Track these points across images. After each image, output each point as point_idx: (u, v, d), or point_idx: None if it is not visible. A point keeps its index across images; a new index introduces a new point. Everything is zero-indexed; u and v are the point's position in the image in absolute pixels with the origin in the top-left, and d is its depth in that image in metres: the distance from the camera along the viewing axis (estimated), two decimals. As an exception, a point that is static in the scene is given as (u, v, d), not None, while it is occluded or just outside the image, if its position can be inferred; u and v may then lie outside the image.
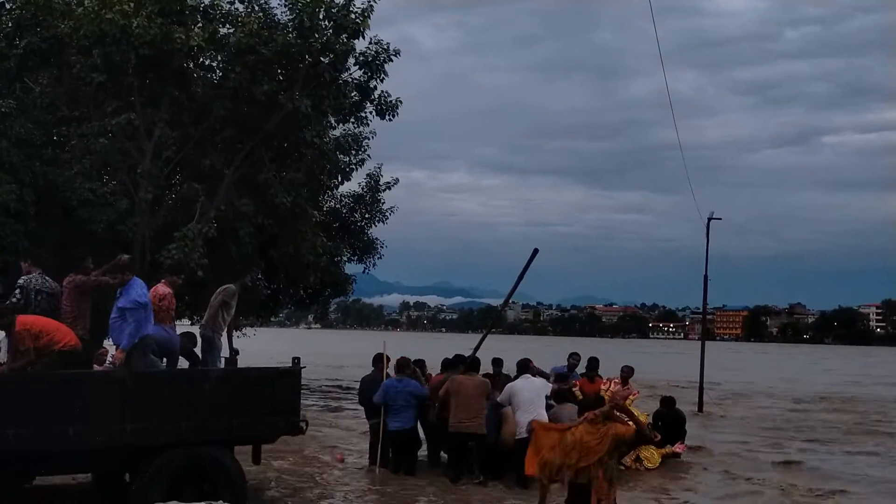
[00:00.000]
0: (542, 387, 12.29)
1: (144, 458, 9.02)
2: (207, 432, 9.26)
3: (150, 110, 17.46)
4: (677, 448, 14.17)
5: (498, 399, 12.35)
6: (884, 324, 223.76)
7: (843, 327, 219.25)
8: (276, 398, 9.71)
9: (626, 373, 14.93)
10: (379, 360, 13.38)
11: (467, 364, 12.73)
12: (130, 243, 17.64)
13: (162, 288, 10.24)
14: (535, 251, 13.74)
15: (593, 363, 15.06)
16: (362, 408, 13.81)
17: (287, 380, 9.93)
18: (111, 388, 8.96)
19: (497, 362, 14.26)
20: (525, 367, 12.75)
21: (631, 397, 14.18)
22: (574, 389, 13.57)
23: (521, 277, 13.63)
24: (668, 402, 15.04)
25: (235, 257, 18.02)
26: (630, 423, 7.97)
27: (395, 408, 12.37)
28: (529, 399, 11.90)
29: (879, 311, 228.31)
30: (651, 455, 13.54)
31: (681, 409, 15.58)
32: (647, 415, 14.42)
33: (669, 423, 14.50)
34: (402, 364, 12.96)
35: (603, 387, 14.46)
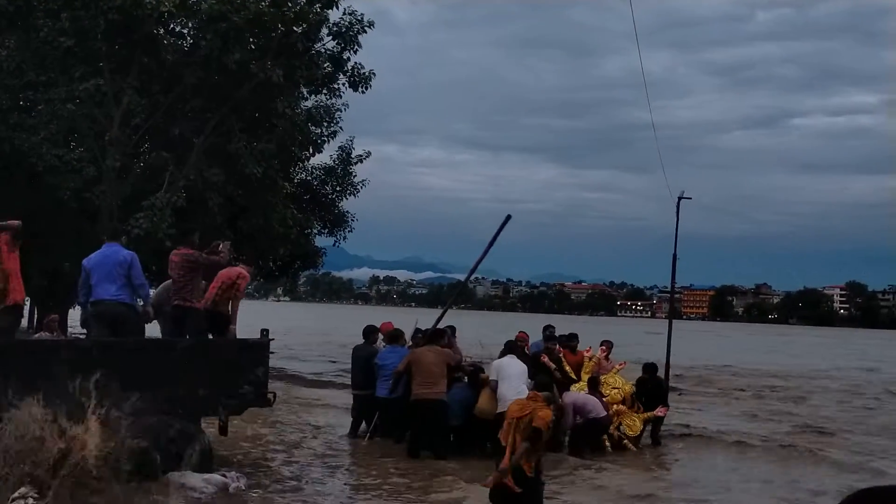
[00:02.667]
0: (524, 370, 12.42)
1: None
2: (175, 403, 9.21)
3: (118, 77, 17.20)
4: (658, 412, 14.18)
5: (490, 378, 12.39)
6: (847, 305, 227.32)
7: (807, 308, 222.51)
8: (245, 369, 9.69)
9: (608, 346, 15.10)
10: (371, 331, 13.52)
11: (428, 336, 12.80)
12: (97, 211, 17.44)
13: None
14: (508, 217, 13.80)
15: (573, 336, 15.12)
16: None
17: (255, 351, 9.89)
18: (77, 357, 8.87)
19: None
20: (511, 348, 12.94)
21: (618, 367, 14.52)
22: (544, 359, 13.53)
23: (492, 243, 13.71)
24: (650, 369, 14.94)
25: (204, 228, 17.88)
26: (550, 414, 8.19)
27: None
28: (516, 374, 12.05)
29: (843, 292, 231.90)
30: (632, 423, 13.68)
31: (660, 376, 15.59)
32: (632, 384, 14.56)
33: (652, 389, 14.51)
34: (396, 335, 13.14)
35: (587, 354, 14.50)
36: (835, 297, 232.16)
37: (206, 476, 9.21)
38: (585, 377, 13.59)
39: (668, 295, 38.26)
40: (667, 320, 27.88)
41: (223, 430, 10.32)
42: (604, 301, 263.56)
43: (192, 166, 17.95)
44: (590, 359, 14.12)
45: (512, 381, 11.90)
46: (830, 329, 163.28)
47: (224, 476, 9.45)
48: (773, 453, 14.12)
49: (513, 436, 7.97)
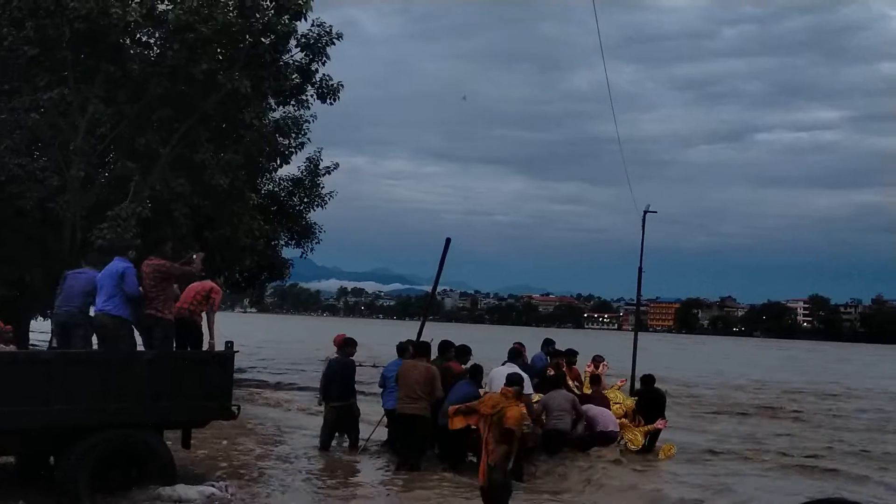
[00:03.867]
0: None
1: (70, 440, 8.84)
2: (136, 415, 9.13)
3: (83, 86, 17.05)
4: (658, 425, 14.21)
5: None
6: (810, 318, 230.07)
7: (771, 321, 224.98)
8: (209, 382, 9.62)
9: (598, 361, 15.27)
10: (348, 343, 13.64)
11: (415, 349, 12.79)
12: (61, 222, 17.25)
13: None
14: (448, 240, 14.15)
15: (574, 351, 15.35)
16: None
17: (219, 363, 9.83)
18: (37, 369, 8.77)
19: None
20: (514, 354, 13.19)
21: (619, 383, 15.26)
22: (551, 373, 13.81)
23: (439, 272, 14.32)
24: (647, 381, 15.07)
25: (170, 238, 17.73)
26: (522, 411, 8.58)
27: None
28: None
29: (806, 305, 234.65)
30: (634, 437, 13.80)
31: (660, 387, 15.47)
32: (633, 399, 14.71)
33: (650, 400, 14.59)
34: (402, 348, 13.23)
35: (588, 369, 14.74)
36: (798, 310, 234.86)
37: (199, 488, 9.27)
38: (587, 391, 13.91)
39: (635, 307, 38.57)
40: (637, 332, 28.17)
41: (186, 443, 10.25)
42: (571, 313, 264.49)
43: (158, 177, 17.82)
44: (593, 375, 14.42)
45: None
46: (808, 342, 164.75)
47: (212, 486, 9.43)
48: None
49: (486, 433, 8.35)
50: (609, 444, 13.02)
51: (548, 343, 15.40)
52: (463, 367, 12.92)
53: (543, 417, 12.54)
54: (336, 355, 13.71)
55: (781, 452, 15.54)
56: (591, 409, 13.11)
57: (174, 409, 9.45)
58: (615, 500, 10.62)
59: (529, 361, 14.35)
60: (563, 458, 12.20)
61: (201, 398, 9.61)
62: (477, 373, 12.53)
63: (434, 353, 13.16)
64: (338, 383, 13.28)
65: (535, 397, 12.59)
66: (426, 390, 11.90)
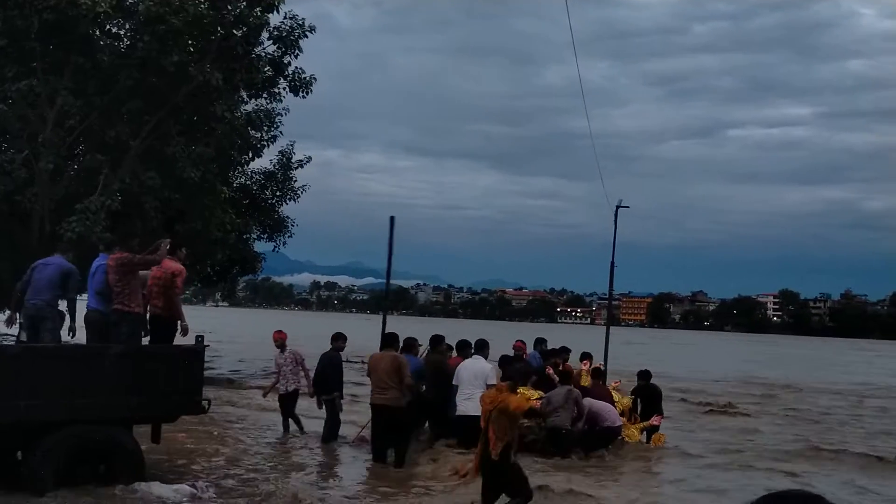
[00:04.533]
0: (482, 370, 12.45)
1: (37, 435, 8.75)
2: (104, 411, 9.05)
3: (52, 77, 16.85)
4: (654, 421, 14.45)
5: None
6: (780, 313, 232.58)
7: (742, 315, 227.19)
8: (178, 376, 9.56)
9: (589, 360, 15.76)
10: (337, 337, 13.92)
11: (382, 340, 12.85)
12: (29, 215, 17.06)
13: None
14: (392, 219, 14.29)
15: (566, 349, 15.56)
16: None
17: (189, 358, 9.77)
18: (4, 363, 8.67)
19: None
20: (479, 346, 13.20)
21: (614, 384, 15.33)
22: (549, 372, 13.95)
23: (390, 250, 14.48)
24: (644, 376, 15.16)
25: (140, 231, 17.61)
26: (529, 403, 8.91)
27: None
28: (467, 379, 12.24)
29: (776, 300, 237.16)
30: (631, 433, 14.00)
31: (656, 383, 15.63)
32: (630, 397, 14.90)
33: (647, 396, 14.78)
34: (409, 344, 13.34)
35: (585, 367, 15.12)
36: (768, 304, 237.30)
37: (175, 486, 9.22)
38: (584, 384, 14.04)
39: (607, 302, 38.74)
40: (609, 327, 28.29)
41: (155, 438, 10.18)
42: (544, 308, 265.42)
43: (128, 169, 17.66)
44: (595, 368, 14.80)
45: (464, 386, 12.21)
46: (781, 336, 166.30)
47: (192, 486, 9.36)
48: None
49: (487, 426, 8.61)
50: (612, 441, 13.17)
51: (540, 342, 15.66)
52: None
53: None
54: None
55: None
56: (594, 404, 13.03)
57: (143, 404, 9.36)
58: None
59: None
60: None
61: (171, 393, 9.54)
62: (506, 362, 12.89)
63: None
64: (329, 376, 13.58)
65: (536, 395, 12.70)
66: (395, 380, 11.96)
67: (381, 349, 12.56)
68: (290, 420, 14.37)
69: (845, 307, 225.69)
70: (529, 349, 15.37)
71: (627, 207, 28.71)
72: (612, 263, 28.03)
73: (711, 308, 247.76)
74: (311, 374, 14.06)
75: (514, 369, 10.60)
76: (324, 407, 13.75)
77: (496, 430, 8.51)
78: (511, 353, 14.52)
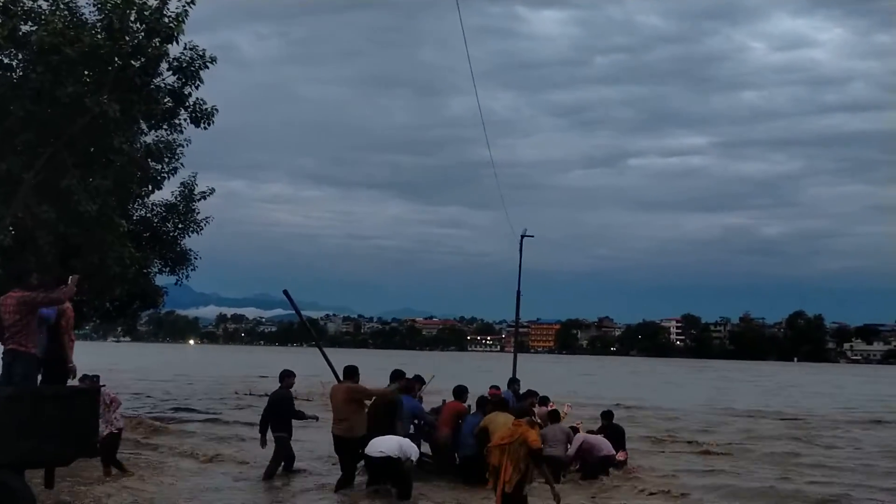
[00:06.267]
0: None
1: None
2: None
3: (-61, 109, 16.21)
4: (619, 456, 15.39)
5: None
6: (683, 337, 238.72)
7: (646, 340, 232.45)
8: (72, 418, 9.24)
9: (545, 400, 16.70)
10: (286, 375, 14.16)
11: (344, 372, 13.18)
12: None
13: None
14: (285, 291, 14.78)
15: (533, 392, 16.69)
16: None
17: (83, 399, 9.47)
18: None
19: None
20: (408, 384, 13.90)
21: (566, 409, 16.94)
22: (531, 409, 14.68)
23: (300, 318, 16.89)
24: (607, 416, 16.65)
25: (34, 267, 16.99)
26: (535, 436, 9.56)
27: None
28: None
29: (679, 324, 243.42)
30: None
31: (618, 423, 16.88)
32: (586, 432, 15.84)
33: (611, 435, 15.72)
34: (409, 386, 13.93)
35: (540, 409, 15.76)
36: (671, 328, 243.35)
37: None
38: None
39: (515, 329, 39.18)
40: (517, 354, 28.65)
41: (49, 483, 9.83)
42: (455, 336, 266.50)
43: (21, 203, 17.06)
44: (552, 411, 15.63)
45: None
46: (681, 360, 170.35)
47: None
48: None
49: (505, 459, 9.18)
50: (608, 468, 14.61)
51: (513, 382, 17.55)
52: (463, 405, 14.41)
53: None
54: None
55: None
56: (589, 437, 14.86)
57: (35, 447, 9.02)
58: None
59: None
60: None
61: (64, 435, 9.22)
62: (483, 403, 13.82)
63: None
64: (279, 415, 13.85)
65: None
66: (351, 410, 12.36)
67: (339, 381, 13.03)
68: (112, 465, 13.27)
69: (744, 330, 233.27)
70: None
71: (532, 237, 29.33)
72: (518, 292, 28.55)
73: (617, 333, 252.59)
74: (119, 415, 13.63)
75: (521, 407, 11.93)
76: (271, 445, 13.88)
77: (513, 460, 9.11)
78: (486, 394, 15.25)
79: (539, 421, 14.03)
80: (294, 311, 15.30)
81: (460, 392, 14.59)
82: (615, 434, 15.86)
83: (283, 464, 13.99)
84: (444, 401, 15.10)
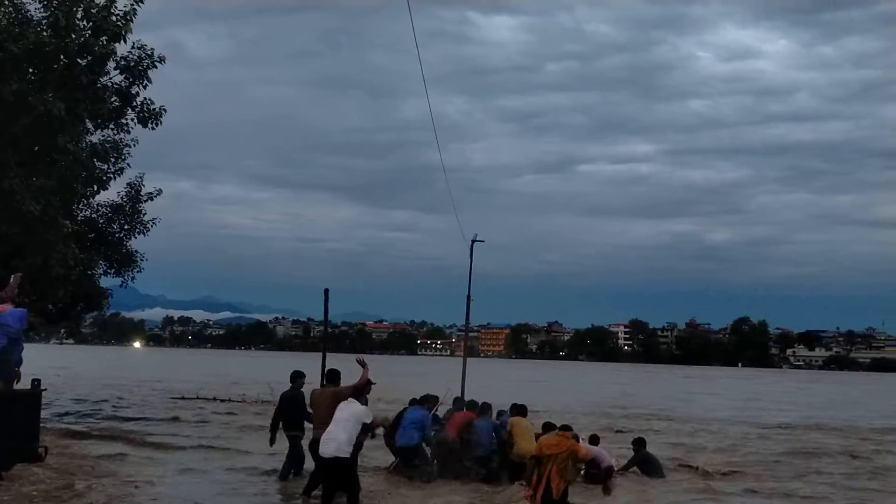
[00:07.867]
0: (353, 415, 12.36)
1: None
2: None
3: None
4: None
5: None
6: (630, 342, 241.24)
7: (595, 345, 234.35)
8: (12, 422, 9.06)
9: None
10: (297, 376, 14.42)
11: (326, 376, 13.40)
12: None
13: None
14: (326, 290, 15.58)
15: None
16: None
17: (25, 403, 9.30)
18: None
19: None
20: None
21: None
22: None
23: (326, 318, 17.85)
24: (593, 440, 16.49)
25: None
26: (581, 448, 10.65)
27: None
28: (343, 418, 11.78)
29: (627, 329, 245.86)
30: None
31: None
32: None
33: (644, 463, 16.65)
34: (426, 398, 15.52)
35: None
36: (619, 334, 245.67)
37: None
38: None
39: (465, 333, 39.29)
40: (466, 358, 28.71)
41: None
42: (405, 340, 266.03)
43: (-39, 203, 16.68)
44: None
45: (339, 423, 11.70)
46: (632, 365, 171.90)
47: None
48: None
49: (549, 468, 9.81)
50: (610, 476, 15.12)
51: (458, 400, 17.86)
52: (473, 414, 15.31)
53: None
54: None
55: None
56: (592, 449, 15.04)
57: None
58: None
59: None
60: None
61: (3, 440, 9.04)
62: (487, 409, 15.36)
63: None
64: (292, 414, 14.04)
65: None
66: (330, 414, 12.07)
67: (322, 385, 13.13)
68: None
69: (690, 335, 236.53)
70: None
71: (482, 241, 29.40)
72: (469, 296, 28.60)
73: (566, 338, 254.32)
74: None
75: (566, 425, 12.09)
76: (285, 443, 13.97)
77: (561, 471, 9.85)
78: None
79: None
80: (323, 312, 15.60)
81: (472, 405, 15.93)
82: (649, 464, 16.59)
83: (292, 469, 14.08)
84: (449, 411, 16.36)
